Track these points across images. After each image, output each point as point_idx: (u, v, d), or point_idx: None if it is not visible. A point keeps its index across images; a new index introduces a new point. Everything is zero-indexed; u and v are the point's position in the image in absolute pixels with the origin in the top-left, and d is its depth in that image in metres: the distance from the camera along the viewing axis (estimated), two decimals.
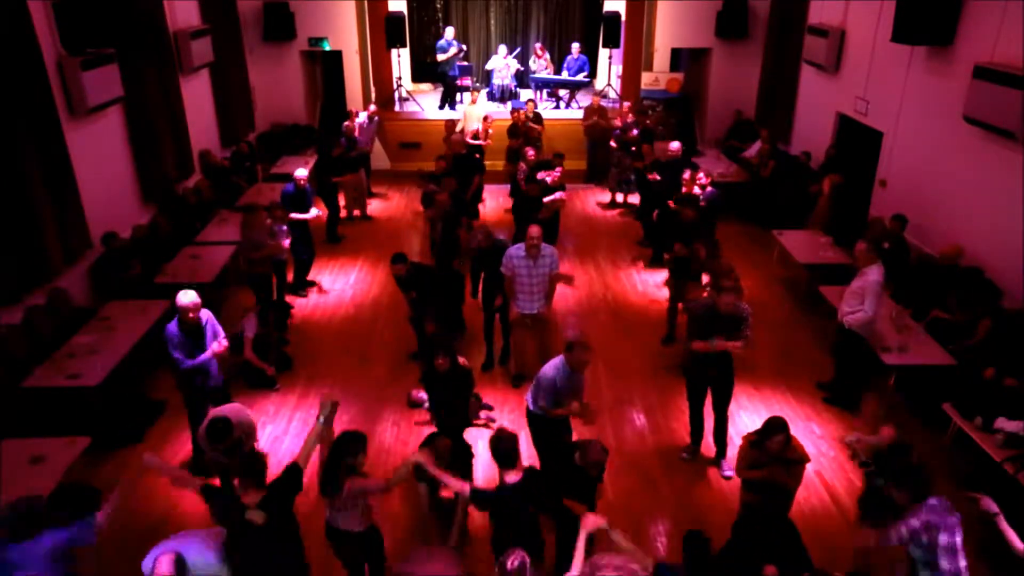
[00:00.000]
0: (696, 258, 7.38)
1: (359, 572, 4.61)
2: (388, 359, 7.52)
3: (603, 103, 12.60)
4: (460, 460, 5.35)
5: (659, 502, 5.64)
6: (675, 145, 9.96)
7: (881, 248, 6.51)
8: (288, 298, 8.56)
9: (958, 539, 3.81)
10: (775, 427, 4.54)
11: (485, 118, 11.82)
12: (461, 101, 13.99)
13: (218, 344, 5.59)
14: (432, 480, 4.87)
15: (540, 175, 9.12)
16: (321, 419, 4.18)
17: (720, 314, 5.49)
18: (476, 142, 11.64)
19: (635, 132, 11.22)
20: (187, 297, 5.46)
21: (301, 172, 8.63)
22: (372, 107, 12.08)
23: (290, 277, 8.75)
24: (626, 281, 9.33)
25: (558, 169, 9.22)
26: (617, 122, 11.74)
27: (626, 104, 12.28)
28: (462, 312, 7.78)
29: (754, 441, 4.70)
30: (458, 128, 11.70)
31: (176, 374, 5.76)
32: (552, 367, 5.09)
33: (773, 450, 4.55)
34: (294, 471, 3.95)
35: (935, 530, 3.76)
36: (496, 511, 4.25)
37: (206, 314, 5.62)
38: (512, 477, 4.15)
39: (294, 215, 8.20)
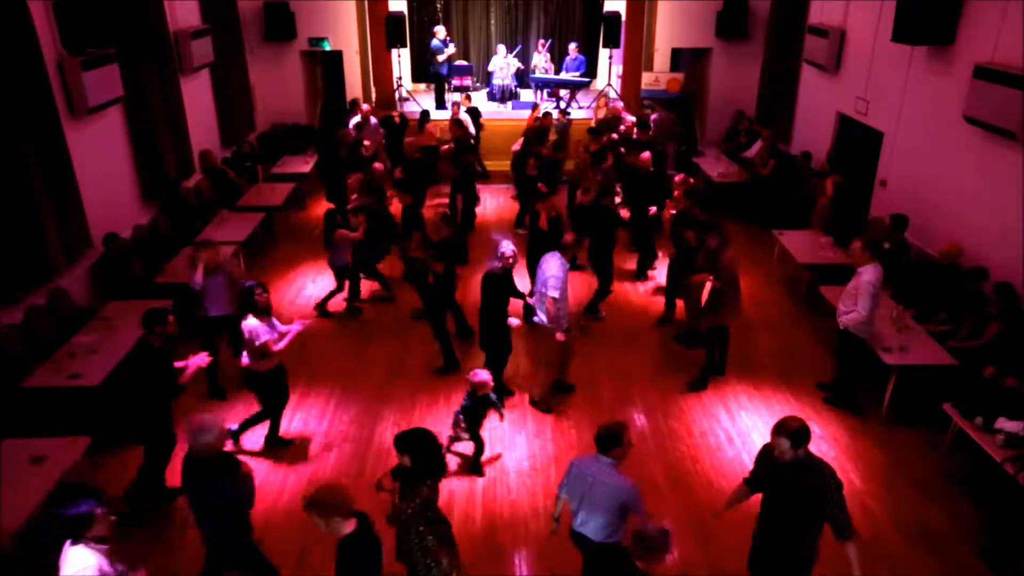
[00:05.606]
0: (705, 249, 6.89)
1: None
2: (388, 359, 7.51)
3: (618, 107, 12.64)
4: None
5: (660, 503, 5.63)
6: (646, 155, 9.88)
7: (881, 248, 6.46)
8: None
9: None
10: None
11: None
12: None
13: None
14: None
15: None
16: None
17: None
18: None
19: (615, 136, 11.12)
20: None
21: None
22: (366, 106, 12.01)
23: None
24: (626, 282, 9.32)
25: None
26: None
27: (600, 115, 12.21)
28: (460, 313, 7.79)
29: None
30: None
31: None
32: None
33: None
34: None
35: None
36: None
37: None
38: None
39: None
